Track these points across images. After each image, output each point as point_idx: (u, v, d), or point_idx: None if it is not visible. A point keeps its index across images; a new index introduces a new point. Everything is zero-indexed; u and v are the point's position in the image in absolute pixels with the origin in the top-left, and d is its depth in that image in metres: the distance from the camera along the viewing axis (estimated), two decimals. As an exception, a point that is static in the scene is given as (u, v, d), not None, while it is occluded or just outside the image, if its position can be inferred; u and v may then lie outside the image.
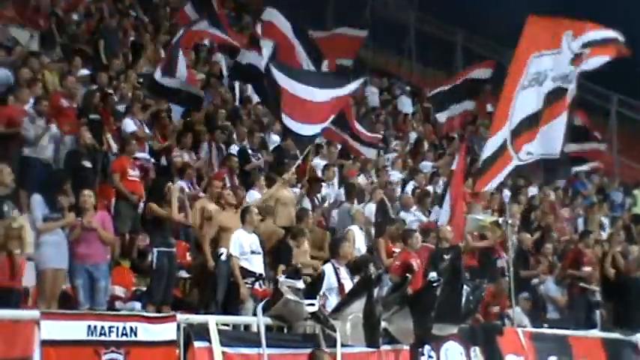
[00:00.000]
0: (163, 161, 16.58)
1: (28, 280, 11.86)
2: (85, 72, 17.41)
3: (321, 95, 15.40)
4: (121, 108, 17.07)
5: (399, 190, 19.57)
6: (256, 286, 13.05)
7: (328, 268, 12.95)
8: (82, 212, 11.96)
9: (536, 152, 14.57)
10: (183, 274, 14.15)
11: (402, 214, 17.71)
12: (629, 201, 27.84)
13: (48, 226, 11.60)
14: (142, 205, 14.60)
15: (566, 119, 14.88)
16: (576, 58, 14.69)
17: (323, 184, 17.24)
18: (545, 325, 16.35)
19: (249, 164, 17.54)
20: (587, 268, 17.43)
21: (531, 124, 14.46)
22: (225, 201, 14.03)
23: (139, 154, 15.75)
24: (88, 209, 12.01)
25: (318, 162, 18.62)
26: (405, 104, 28.47)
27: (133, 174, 14.86)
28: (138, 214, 14.69)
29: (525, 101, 14.42)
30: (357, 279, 12.77)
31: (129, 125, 16.23)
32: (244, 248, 13.05)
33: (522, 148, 14.43)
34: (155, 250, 12.70)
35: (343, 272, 13.04)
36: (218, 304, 12.73)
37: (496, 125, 14.63)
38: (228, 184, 15.53)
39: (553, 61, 14.52)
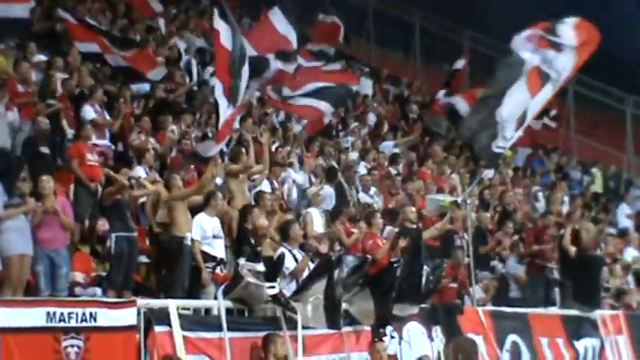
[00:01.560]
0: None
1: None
2: (41, 57, 17.22)
3: None
4: (76, 94, 16.88)
5: (361, 171, 19.59)
6: (217, 270, 13.03)
7: (285, 251, 12.96)
8: (41, 198, 11.86)
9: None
10: (143, 258, 14.06)
11: (361, 195, 17.73)
12: (587, 179, 28.12)
13: (9, 213, 11.48)
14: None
15: None
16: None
17: (286, 168, 17.21)
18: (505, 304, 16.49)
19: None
20: (547, 246, 17.56)
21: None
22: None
23: (99, 141, 15.61)
24: (48, 194, 11.91)
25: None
26: (364, 86, 28.46)
27: (92, 159, 14.74)
28: (97, 200, 14.59)
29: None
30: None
31: (88, 112, 16.06)
32: (206, 232, 13.01)
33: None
34: (113, 235, 12.63)
35: (297, 254, 13.05)
36: (184, 287, 12.65)
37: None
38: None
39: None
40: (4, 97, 14.59)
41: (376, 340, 12.02)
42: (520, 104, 14.49)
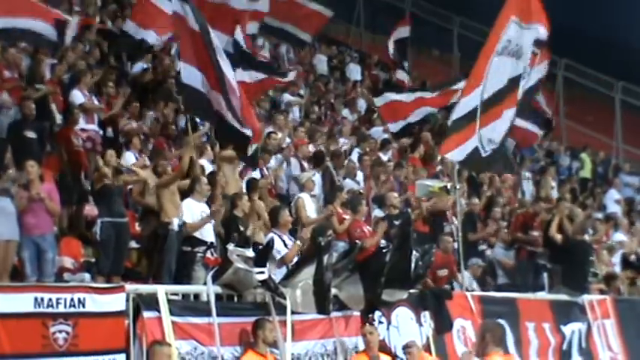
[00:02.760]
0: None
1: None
2: (27, 42, 17.14)
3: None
4: (66, 78, 16.84)
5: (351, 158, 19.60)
6: (208, 254, 13.03)
7: (275, 237, 12.96)
8: (28, 183, 11.84)
9: (493, 138, 14.62)
10: (133, 244, 14.05)
11: (347, 181, 17.73)
12: (576, 165, 28.21)
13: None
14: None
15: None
16: (532, 57, 14.84)
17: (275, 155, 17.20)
18: (493, 289, 16.55)
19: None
20: (536, 233, 17.61)
21: (496, 102, 14.46)
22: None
23: (87, 126, 15.58)
24: (33, 180, 11.89)
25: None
26: (354, 72, 28.48)
27: (78, 144, 14.71)
28: (84, 185, 14.56)
29: (498, 71, 14.33)
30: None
31: (77, 96, 16.02)
32: (195, 217, 13.01)
33: (488, 126, 14.43)
34: (99, 220, 12.62)
35: (287, 240, 13.06)
36: (171, 273, 12.66)
37: (470, 85, 14.51)
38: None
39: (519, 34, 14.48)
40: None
41: (366, 322, 12.05)
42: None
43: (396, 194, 16.59)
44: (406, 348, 12.42)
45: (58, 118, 15.66)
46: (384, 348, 12.62)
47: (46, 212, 11.96)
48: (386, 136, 21.57)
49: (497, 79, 14.35)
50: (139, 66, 19.11)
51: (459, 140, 14.43)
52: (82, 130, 15.41)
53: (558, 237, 16.73)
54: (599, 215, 22.83)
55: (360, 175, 18.24)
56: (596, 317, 16.29)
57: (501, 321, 14.39)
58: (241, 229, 12.90)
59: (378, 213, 16.16)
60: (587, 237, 18.04)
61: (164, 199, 13.08)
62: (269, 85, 18.05)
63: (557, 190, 23.33)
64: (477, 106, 14.27)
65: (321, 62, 27.57)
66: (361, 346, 12.19)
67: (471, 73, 14.70)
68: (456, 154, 14.70)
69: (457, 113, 14.40)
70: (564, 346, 15.64)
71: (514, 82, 14.60)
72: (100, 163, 13.33)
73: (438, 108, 19.13)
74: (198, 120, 17.01)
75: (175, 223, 12.90)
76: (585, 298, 16.26)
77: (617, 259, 20.12)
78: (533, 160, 26.40)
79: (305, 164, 17.73)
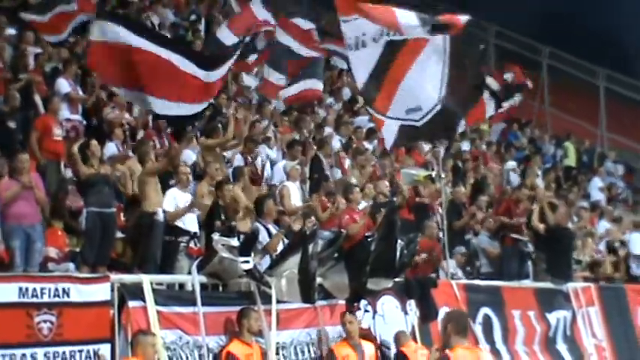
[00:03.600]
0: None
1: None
2: (11, 31, 17.06)
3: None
4: (49, 68, 16.76)
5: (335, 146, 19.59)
6: (191, 244, 13.01)
7: (260, 226, 12.96)
8: (17, 173, 11.84)
9: (418, 106, 14.29)
10: (118, 234, 14.00)
11: (335, 170, 17.75)
12: (560, 153, 28.26)
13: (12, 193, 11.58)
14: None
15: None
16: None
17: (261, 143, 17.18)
18: (479, 277, 16.59)
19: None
20: (520, 220, 17.65)
21: (379, 83, 13.83)
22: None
23: (72, 116, 15.52)
24: (25, 170, 11.93)
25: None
26: (339, 60, 28.37)
27: (58, 133, 14.65)
28: (63, 174, 14.52)
29: (361, 64, 13.83)
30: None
31: (63, 86, 15.94)
32: (179, 207, 12.98)
33: (388, 108, 14.21)
34: (85, 210, 12.57)
35: (272, 229, 13.06)
36: (157, 262, 12.62)
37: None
38: (157, 145, 15.37)
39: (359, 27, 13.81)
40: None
41: (346, 312, 12.03)
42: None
43: (386, 182, 16.64)
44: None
45: (42, 107, 15.58)
46: (368, 336, 12.65)
47: (35, 202, 11.96)
48: (371, 125, 21.55)
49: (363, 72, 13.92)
50: None
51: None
52: (67, 120, 15.34)
53: (541, 227, 16.74)
54: (584, 203, 22.90)
55: (348, 164, 18.26)
56: (581, 305, 16.37)
57: (487, 309, 14.66)
58: (224, 217, 12.87)
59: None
60: (571, 225, 18.11)
61: (149, 188, 12.99)
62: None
63: (541, 178, 23.36)
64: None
65: (306, 52, 27.45)
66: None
67: None
68: (387, 143, 14.53)
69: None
70: (549, 334, 15.71)
71: (387, 58, 14.29)
72: (74, 149, 13.19)
73: None
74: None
75: (160, 213, 12.88)
76: (570, 286, 16.33)
77: (602, 246, 20.20)
78: (518, 148, 26.43)
79: (287, 153, 17.70)
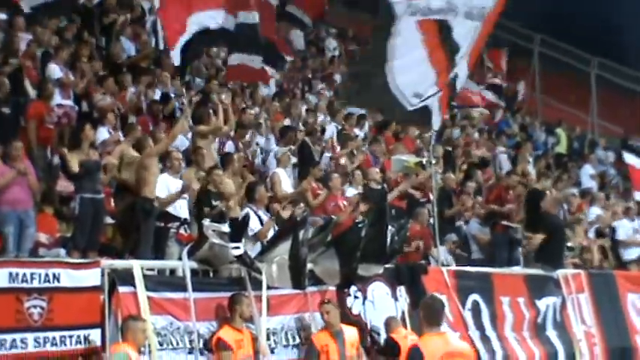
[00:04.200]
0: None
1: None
2: (2, 16, 17.01)
3: None
4: (39, 53, 16.72)
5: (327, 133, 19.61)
6: (181, 230, 13.02)
7: (250, 212, 12.96)
8: (11, 160, 11.88)
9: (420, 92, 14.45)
10: (108, 219, 14.00)
11: (326, 156, 17.76)
12: (551, 140, 28.32)
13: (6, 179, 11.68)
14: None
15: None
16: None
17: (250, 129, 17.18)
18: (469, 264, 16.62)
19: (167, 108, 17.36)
20: (510, 206, 17.69)
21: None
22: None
23: (64, 102, 15.50)
24: (19, 156, 12.08)
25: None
26: (331, 46, 28.42)
27: (49, 120, 14.65)
28: (52, 161, 14.53)
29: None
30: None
31: (54, 71, 15.91)
32: (170, 192, 12.99)
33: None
34: (78, 196, 12.58)
35: (263, 215, 13.06)
36: (151, 248, 12.62)
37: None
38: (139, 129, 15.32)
39: None
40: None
41: (323, 302, 12.03)
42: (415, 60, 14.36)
43: (377, 169, 16.68)
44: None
45: (32, 93, 15.55)
46: (358, 322, 12.68)
47: (28, 187, 12.00)
48: (362, 111, 21.59)
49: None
50: (127, 44, 18.95)
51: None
52: (59, 105, 15.32)
53: (538, 238, 16.60)
54: (575, 190, 22.94)
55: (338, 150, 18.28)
56: (571, 291, 16.39)
57: (476, 295, 14.70)
58: (214, 203, 12.88)
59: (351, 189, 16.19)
60: (561, 212, 18.15)
61: (149, 173, 12.95)
62: (259, 77, 17.54)
63: (532, 165, 23.41)
64: None
65: (297, 37, 27.46)
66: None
67: None
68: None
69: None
70: (539, 320, 15.74)
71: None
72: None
73: None
74: (172, 95, 17.03)
75: (155, 199, 12.90)
76: (560, 273, 16.36)
77: (592, 233, 20.26)
78: (509, 135, 26.47)
79: (278, 139, 17.70)
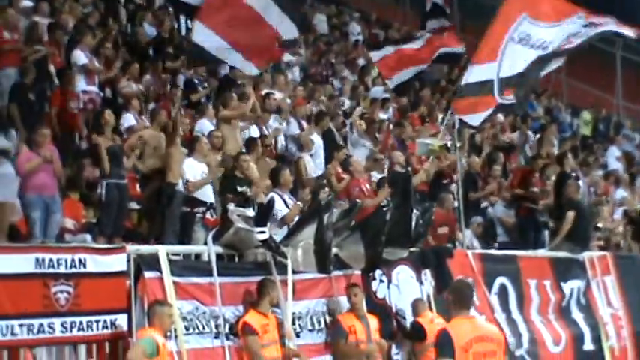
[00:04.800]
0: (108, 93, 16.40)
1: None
2: (27, 3, 17.08)
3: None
4: (65, 40, 16.77)
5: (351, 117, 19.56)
6: (207, 215, 13.05)
7: (276, 197, 12.96)
8: (37, 146, 11.97)
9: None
10: (134, 205, 14.07)
11: (354, 139, 17.73)
12: (576, 122, 28.17)
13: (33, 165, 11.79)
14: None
15: None
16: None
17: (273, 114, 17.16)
18: (495, 247, 16.59)
19: (195, 94, 17.39)
20: (536, 189, 17.62)
21: (519, 82, 15.03)
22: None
23: (88, 88, 15.56)
24: (45, 142, 12.15)
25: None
26: (354, 30, 28.36)
27: (73, 106, 14.70)
28: (79, 146, 14.59)
29: (516, 56, 14.89)
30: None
31: (79, 57, 15.96)
32: (196, 177, 13.03)
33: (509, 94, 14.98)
34: (104, 182, 12.64)
35: (288, 200, 13.07)
36: (177, 233, 12.67)
37: (482, 56, 15.07)
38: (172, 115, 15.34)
39: (548, 33, 15.03)
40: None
41: (350, 285, 12.04)
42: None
43: (400, 152, 16.65)
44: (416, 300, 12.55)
45: (57, 79, 15.63)
46: (384, 306, 12.69)
47: (53, 173, 12.08)
48: (386, 95, 21.52)
49: (516, 63, 14.91)
50: (150, 30, 18.98)
51: (475, 106, 15.15)
52: (84, 91, 15.39)
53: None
54: (600, 172, 22.83)
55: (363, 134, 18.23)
56: (596, 274, 16.33)
57: (503, 278, 14.66)
58: (240, 189, 12.90)
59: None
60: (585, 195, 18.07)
61: (174, 159, 12.99)
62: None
63: (557, 147, 23.30)
64: (493, 80, 14.85)
65: (320, 22, 27.44)
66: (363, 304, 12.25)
67: (482, 46, 15.22)
68: (473, 119, 15.47)
69: (471, 78, 15.01)
70: (564, 303, 15.70)
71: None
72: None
73: (426, 63, 18.80)
74: (196, 81, 17.02)
75: (181, 184, 12.94)
76: (585, 255, 16.29)
77: (618, 215, 20.16)
78: (534, 118, 26.34)
79: (304, 124, 17.69)
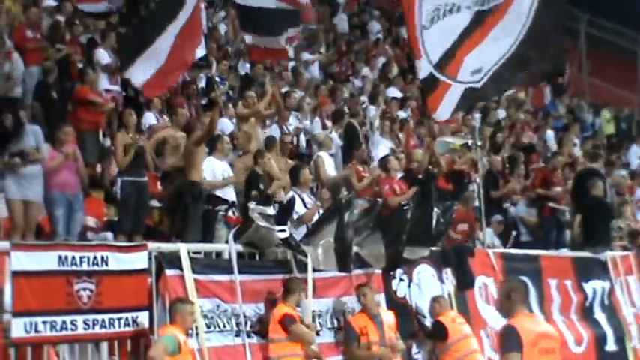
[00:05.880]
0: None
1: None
2: (50, 2, 17.18)
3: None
4: (84, 39, 16.86)
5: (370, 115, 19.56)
6: (229, 213, 13.07)
7: (295, 196, 12.97)
8: (60, 144, 12.03)
9: (480, 67, 13.87)
10: (155, 203, 14.12)
11: (377, 138, 17.75)
12: (598, 121, 28.04)
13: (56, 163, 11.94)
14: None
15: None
16: None
17: (293, 112, 17.19)
18: (515, 246, 16.53)
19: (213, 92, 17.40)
20: (558, 189, 17.57)
21: (454, 50, 13.91)
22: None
23: (111, 87, 15.64)
24: (68, 141, 12.28)
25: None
26: (375, 29, 28.32)
27: (97, 104, 14.77)
28: (103, 145, 14.65)
29: (439, 35, 13.91)
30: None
31: (103, 56, 16.04)
32: (216, 176, 13.05)
33: (459, 72, 13.94)
34: (119, 179, 12.68)
35: (307, 199, 13.07)
36: (200, 232, 12.68)
37: (415, 52, 14.28)
38: (186, 113, 15.36)
39: None
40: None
41: (360, 285, 12.00)
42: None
43: (420, 151, 16.63)
44: (432, 301, 12.51)
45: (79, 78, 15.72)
46: (404, 306, 12.67)
47: (76, 172, 12.15)
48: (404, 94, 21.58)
49: (439, 44, 13.96)
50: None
51: (437, 99, 14.22)
52: (106, 90, 15.48)
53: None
54: (623, 172, 22.71)
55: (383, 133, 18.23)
56: (619, 273, 16.24)
57: (524, 278, 14.58)
58: (262, 187, 12.93)
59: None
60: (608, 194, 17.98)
61: (197, 157, 12.99)
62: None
63: (579, 147, 23.23)
64: (431, 72, 13.94)
65: (341, 20, 27.42)
66: (383, 304, 12.25)
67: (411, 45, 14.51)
68: (441, 113, 14.51)
69: (421, 74, 14.19)
70: (587, 303, 15.62)
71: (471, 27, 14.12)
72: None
73: None
74: (218, 79, 17.06)
75: (204, 183, 12.97)
76: (608, 255, 16.21)
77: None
78: (556, 117, 26.26)
79: (328, 123, 17.71)
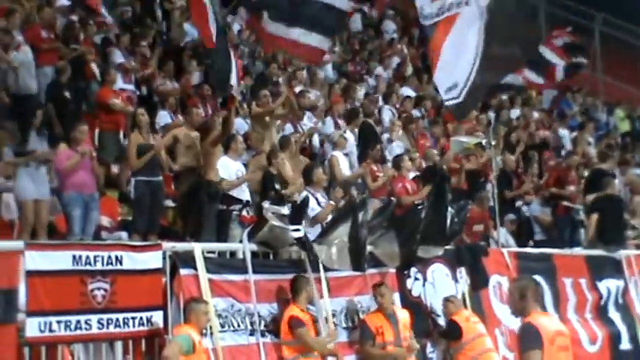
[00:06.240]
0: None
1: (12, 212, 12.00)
2: (64, 2, 17.22)
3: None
4: (98, 39, 16.90)
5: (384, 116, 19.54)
6: (244, 212, 13.08)
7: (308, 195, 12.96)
8: (75, 143, 12.06)
9: (454, 83, 13.50)
10: (169, 203, 14.13)
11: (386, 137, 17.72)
12: (613, 120, 27.95)
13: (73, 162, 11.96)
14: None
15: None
16: None
17: (307, 112, 17.18)
18: (531, 245, 16.49)
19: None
20: (572, 188, 17.51)
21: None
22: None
23: (125, 86, 15.66)
24: (83, 140, 12.30)
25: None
26: (389, 28, 28.28)
27: (116, 104, 14.81)
28: (122, 145, 14.68)
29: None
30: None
31: (117, 56, 16.07)
32: (230, 175, 13.05)
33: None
34: (132, 179, 12.70)
35: (321, 198, 13.06)
36: (214, 232, 12.69)
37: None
38: (201, 112, 15.36)
39: None
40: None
41: (376, 285, 11.98)
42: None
43: (435, 151, 16.61)
44: (445, 301, 12.48)
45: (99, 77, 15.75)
46: (419, 305, 12.66)
47: (92, 171, 12.18)
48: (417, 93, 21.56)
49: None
50: (191, 30, 19.08)
51: None
52: (121, 89, 15.51)
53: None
54: (638, 170, 22.60)
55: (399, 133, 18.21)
56: (633, 272, 16.19)
57: (538, 277, 14.54)
58: (277, 186, 12.92)
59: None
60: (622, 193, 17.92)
61: (214, 157, 12.99)
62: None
63: (594, 146, 23.15)
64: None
65: (355, 20, 27.38)
66: (397, 302, 12.24)
67: None
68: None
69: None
70: (601, 302, 15.58)
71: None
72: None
73: None
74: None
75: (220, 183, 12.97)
76: (622, 254, 16.16)
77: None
78: (570, 116, 26.18)
79: (341, 122, 17.69)
